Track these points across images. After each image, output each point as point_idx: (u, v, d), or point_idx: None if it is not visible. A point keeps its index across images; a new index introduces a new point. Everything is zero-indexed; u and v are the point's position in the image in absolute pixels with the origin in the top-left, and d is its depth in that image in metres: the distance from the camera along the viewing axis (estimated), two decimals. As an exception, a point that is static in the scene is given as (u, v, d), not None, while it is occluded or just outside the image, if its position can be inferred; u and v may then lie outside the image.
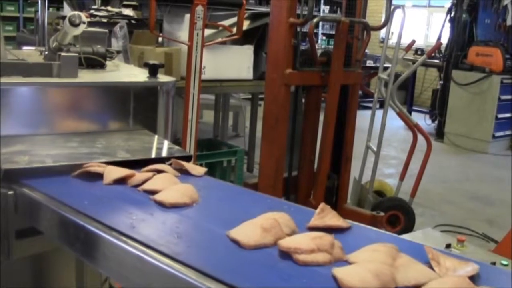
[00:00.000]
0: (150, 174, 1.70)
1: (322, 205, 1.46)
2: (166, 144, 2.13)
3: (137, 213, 1.46)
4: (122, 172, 1.69)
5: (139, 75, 2.41)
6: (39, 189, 1.60)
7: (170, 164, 1.85)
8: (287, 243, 1.24)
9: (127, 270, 1.30)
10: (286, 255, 1.22)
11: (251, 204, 1.61)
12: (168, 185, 1.62)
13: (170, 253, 1.22)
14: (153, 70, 2.33)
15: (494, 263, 3.06)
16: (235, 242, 1.28)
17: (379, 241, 1.31)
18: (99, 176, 1.70)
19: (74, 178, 1.70)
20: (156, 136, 2.20)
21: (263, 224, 1.31)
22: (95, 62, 2.50)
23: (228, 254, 1.25)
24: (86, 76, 2.27)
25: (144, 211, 1.48)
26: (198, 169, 1.85)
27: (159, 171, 1.74)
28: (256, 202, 1.63)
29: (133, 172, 1.70)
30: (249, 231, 1.30)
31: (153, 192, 1.58)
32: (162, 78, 2.34)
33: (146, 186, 1.63)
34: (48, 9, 4.69)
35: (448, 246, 3.33)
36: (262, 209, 1.45)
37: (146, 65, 2.38)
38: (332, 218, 1.44)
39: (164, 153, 2.05)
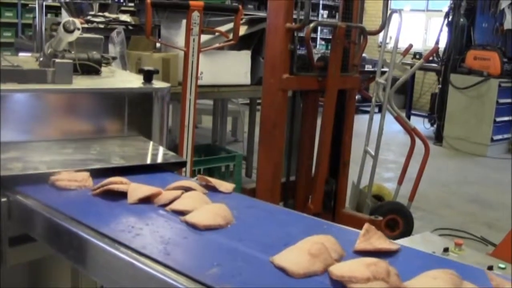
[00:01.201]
0: (178, 192, 1.60)
1: (367, 225, 1.36)
2: (161, 150, 2.13)
3: (168, 237, 1.36)
4: (147, 190, 1.59)
5: (134, 81, 2.41)
6: (33, 196, 1.60)
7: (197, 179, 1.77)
8: (339, 271, 1.14)
9: (120, 277, 1.30)
10: (338, 283, 1.13)
11: (289, 224, 1.52)
12: (199, 205, 1.52)
13: (213, 285, 1.13)
14: (148, 76, 2.33)
15: (491, 267, 3.06)
16: (282, 269, 1.18)
17: (432, 264, 1.25)
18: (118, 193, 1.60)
19: (95, 197, 1.60)
20: (151, 142, 2.19)
21: (311, 250, 1.21)
22: (91, 68, 2.50)
23: (276, 283, 1.15)
24: (81, 82, 2.27)
25: (176, 234, 1.38)
26: (226, 186, 1.75)
27: (187, 189, 1.63)
28: (294, 221, 1.55)
29: (159, 190, 1.60)
30: (296, 258, 1.20)
31: (183, 213, 1.48)
32: (157, 84, 2.34)
33: (175, 206, 1.53)
34: (46, 15, 4.70)
35: (446, 250, 3.33)
36: (301, 230, 1.40)
37: (141, 71, 2.38)
38: (379, 240, 1.35)
39: (159, 159, 2.05)
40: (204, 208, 1.49)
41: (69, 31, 2.27)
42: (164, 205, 1.54)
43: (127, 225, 1.41)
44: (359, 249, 1.31)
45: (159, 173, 1.88)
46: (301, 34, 4.02)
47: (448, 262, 1.37)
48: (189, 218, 1.44)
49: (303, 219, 1.59)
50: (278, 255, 1.23)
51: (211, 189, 1.71)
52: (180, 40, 3.87)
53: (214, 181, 1.73)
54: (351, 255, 1.28)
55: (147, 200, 1.57)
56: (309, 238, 1.28)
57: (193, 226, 1.41)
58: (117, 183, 1.63)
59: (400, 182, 5.02)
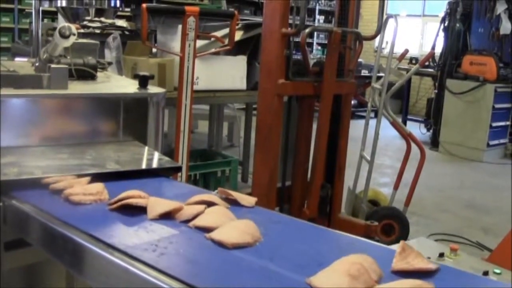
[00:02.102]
0: (200, 207, 1.52)
1: (402, 243, 1.31)
2: (156, 155, 2.14)
3: (195, 256, 1.29)
4: (168, 205, 1.52)
5: (129, 87, 2.41)
6: (28, 201, 1.60)
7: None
8: None
9: (114, 282, 1.30)
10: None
11: (318, 240, 1.45)
12: (224, 221, 1.45)
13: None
14: (143, 81, 2.34)
15: (486, 272, 3.06)
16: None
17: (475, 285, 1.23)
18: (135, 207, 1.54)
19: (112, 212, 1.54)
20: (146, 147, 2.20)
21: (350, 271, 1.15)
22: (86, 74, 2.51)
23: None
24: (76, 87, 2.28)
25: (203, 252, 1.31)
26: (248, 199, 1.67)
27: (208, 203, 1.57)
28: (323, 238, 1.49)
29: (180, 204, 1.54)
30: (335, 280, 1.14)
31: (207, 229, 1.41)
32: (152, 89, 2.35)
33: (199, 222, 1.45)
34: (42, 20, 4.71)
35: (442, 255, 3.33)
36: (332, 247, 1.38)
37: (136, 76, 2.39)
38: (416, 259, 1.29)
39: (154, 165, 2.05)
40: (230, 225, 1.42)
41: (64, 36, 2.28)
42: (186, 221, 1.47)
43: (150, 243, 1.34)
44: (397, 269, 1.25)
45: (154, 178, 1.89)
46: (297, 39, 4.03)
47: (489, 281, 1.37)
48: (215, 235, 1.36)
49: (332, 236, 1.53)
50: (316, 277, 1.17)
51: (233, 203, 1.64)
52: (176, 45, 3.88)
53: (236, 195, 1.67)
54: (389, 276, 1.24)
55: (167, 215, 1.50)
56: (346, 258, 1.23)
57: (219, 244, 1.33)
58: (135, 197, 1.56)
59: (396, 187, 5.02)
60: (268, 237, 1.41)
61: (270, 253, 1.32)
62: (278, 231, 1.50)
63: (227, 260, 1.27)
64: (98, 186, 1.66)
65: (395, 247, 1.39)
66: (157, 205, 1.53)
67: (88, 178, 1.75)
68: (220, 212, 1.51)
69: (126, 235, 1.39)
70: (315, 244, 1.41)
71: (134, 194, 1.57)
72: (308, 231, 1.55)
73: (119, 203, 1.55)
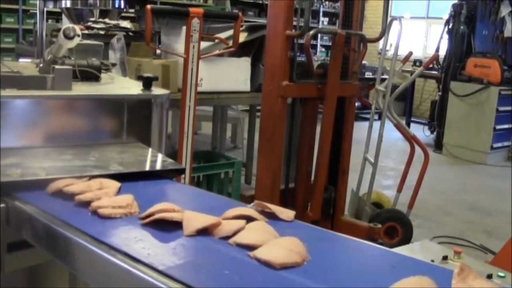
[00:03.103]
0: (241, 222, 1.43)
1: (461, 265, 1.25)
2: (160, 157, 2.13)
3: (241, 277, 1.19)
4: (205, 220, 1.43)
5: (133, 88, 2.41)
6: (32, 202, 1.60)
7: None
8: None
9: (118, 284, 1.29)
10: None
11: (368, 259, 1.39)
12: (267, 238, 1.35)
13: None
14: (147, 82, 2.33)
15: (490, 275, 3.05)
16: None
17: None
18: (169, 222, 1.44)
19: (145, 227, 1.44)
20: (150, 149, 2.20)
21: None
22: (90, 75, 2.50)
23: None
24: (80, 88, 2.28)
25: (249, 274, 1.21)
26: (287, 213, 1.58)
27: (247, 218, 1.47)
28: (375, 257, 1.41)
29: (218, 219, 1.44)
30: None
31: (250, 247, 1.31)
32: (156, 90, 2.34)
33: (241, 239, 1.35)
34: (46, 21, 4.71)
35: (445, 258, 3.32)
36: (387, 266, 1.31)
37: (140, 77, 2.38)
38: (476, 280, 1.24)
39: (157, 166, 2.05)
40: (275, 243, 1.32)
41: (69, 37, 2.28)
42: (226, 237, 1.37)
43: (191, 263, 1.25)
44: None
45: (157, 180, 1.89)
46: (301, 41, 4.03)
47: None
48: (260, 254, 1.25)
49: (384, 254, 1.43)
50: None
51: (270, 217, 1.55)
52: (180, 47, 3.88)
53: (274, 208, 1.57)
54: None
55: (204, 231, 1.41)
56: (406, 281, 1.18)
57: (266, 264, 1.23)
58: (169, 210, 1.47)
59: (399, 189, 5.02)
60: (315, 256, 1.31)
61: (321, 274, 1.24)
62: (324, 248, 1.40)
63: (277, 282, 1.18)
64: (128, 198, 1.58)
65: (399, 249, 1.39)
66: (193, 220, 1.43)
67: (100, 182, 1.72)
68: (262, 228, 1.42)
69: (164, 253, 1.30)
70: (365, 263, 1.35)
71: (167, 208, 1.48)
72: (355, 247, 1.47)
73: (153, 218, 1.45)
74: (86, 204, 1.56)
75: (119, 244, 1.32)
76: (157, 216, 1.44)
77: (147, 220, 1.45)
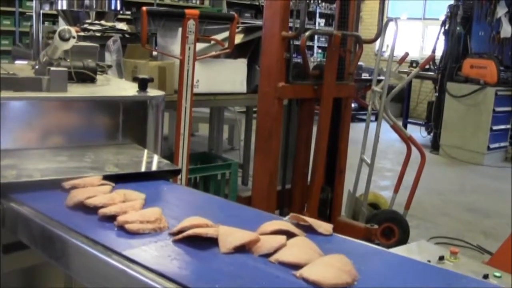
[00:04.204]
0: (281, 238, 1.33)
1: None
2: (155, 158, 2.14)
3: None
4: (243, 236, 1.33)
5: (129, 89, 2.41)
6: (27, 203, 1.60)
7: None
8: None
9: (112, 285, 1.29)
10: None
11: (420, 278, 1.29)
12: (312, 255, 1.26)
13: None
14: (142, 84, 2.34)
15: (487, 275, 3.06)
16: None
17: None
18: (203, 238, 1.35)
19: (177, 244, 1.35)
20: (145, 150, 2.20)
21: None
22: (86, 76, 2.51)
23: None
24: (76, 90, 2.28)
25: None
26: (325, 226, 1.49)
27: (285, 232, 1.38)
28: (423, 273, 1.32)
29: (256, 235, 1.34)
30: None
31: (294, 266, 1.22)
32: (152, 92, 2.35)
33: (284, 257, 1.25)
34: (43, 23, 4.71)
35: (442, 258, 3.33)
36: (441, 285, 1.24)
37: (135, 79, 2.39)
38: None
39: (153, 167, 2.05)
40: (322, 261, 1.23)
41: (64, 39, 2.28)
42: (266, 255, 1.28)
43: (235, 284, 1.17)
44: None
45: (153, 181, 1.89)
46: (297, 43, 4.03)
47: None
48: (308, 274, 1.16)
49: (436, 271, 1.35)
50: None
51: (308, 230, 1.46)
52: (176, 48, 3.88)
53: (311, 221, 1.48)
54: None
55: (242, 248, 1.31)
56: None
57: (314, 285, 1.15)
58: (202, 225, 1.38)
59: (396, 190, 5.02)
60: (364, 275, 1.22)
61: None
62: (370, 265, 1.32)
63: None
64: (156, 212, 1.49)
65: (396, 250, 1.38)
66: (230, 236, 1.33)
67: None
68: (304, 245, 1.32)
69: (204, 274, 1.21)
70: (420, 282, 1.27)
71: (200, 223, 1.38)
72: (404, 264, 1.37)
73: (186, 234, 1.35)
74: (111, 218, 1.47)
75: (152, 263, 1.24)
76: (190, 232, 1.35)
77: (180, 236, 1.36)
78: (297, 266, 1.21)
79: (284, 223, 1.44)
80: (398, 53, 5.42)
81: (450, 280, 1.28)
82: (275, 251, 1.28)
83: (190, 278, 1.18)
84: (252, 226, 1.41)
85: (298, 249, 1.28)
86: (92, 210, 1.52)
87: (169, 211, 1.54)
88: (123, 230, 1.41)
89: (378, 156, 4.99)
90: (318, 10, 14.05)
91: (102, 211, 1.50)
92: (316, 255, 1.26)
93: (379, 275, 1.28)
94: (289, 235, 1.37)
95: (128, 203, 1.55)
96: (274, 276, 1.19)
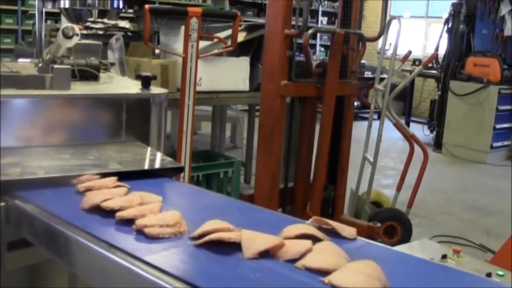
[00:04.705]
0: (307, 243, 1.28)
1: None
2: (158, 155, 2.14)
3: None
4: (267, 241, 1.28)
5: (132, 87, 2.41)
6: (31, 201, 1.61)
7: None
8: None
9: (115, 282, 1.30)
10: None
11: (452, 284, 1.24)
12: (340, 261, 1.21)
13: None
14: (145, 82, 2.34)
15: (490, 274, 3.06)
16: None
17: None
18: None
19: (197, 248, 1.30)
20: (148, 148, 2.20)
21: None
22: (89, 74, 2.51)
23: None
24: (79, 88, 2.28)
25: None
26: (348, 230, 1.44)
27: (311, 237, 1.33)
28: (451, 280, 1.27)
29: (281, 240, 1.29)
30: None
31: (322, 272, 1.17)
32: (155, 90, 2.35)
33: (311, 262, 1.20)
34: (45, 21, 4.72)
35: (444, 256, 3.33)
36: None
37: (138, 77, 2.39)
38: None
39: (156, 165, 2.05)
40: (350, 267, 1.18)
41: (68, 37, 2.28)
42: (292, 260, 1.23)
43: None
44: None
45: (156, 179, 1.89)
46: (300, 41, 4.03)
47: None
48: (337, 281, 1.12)
49: (464, 277, 1.30)
50: None
51: (331, 234, 1.41)
52: (179, 46, 3.88)
53: (335, 224, 1.44)
54: None
55: (266, 253, 1.26)
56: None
57: None
58: (224, 229, 1.33)
59: (398, 189, 5.02)
60: (393, 280, 1.17)
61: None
62: (399, 271, 1.28)
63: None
64: (175, 215, 1.44)
65: (398, 249, 1.37)
66: (253, 240, 1.28)
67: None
68: (331, 250, 1.27)
69: (231, 281, 1.16)
70: None
71: (222, 227, 1.34)
72: (436, 271, 1.31)
73: (208, 239, 1.30)
74: (128, 221, 1.43)
75: (175, 270, 1.20)
76: (213, 237, 1.30)
77: (201, 241, 1.31)
78: (325, 272, 1.17)
79: (308, 227, 1.39)
80: (401, 52, 5.42)
81: (478, 285, 1.25)
82: (301, 256, 1.24)
83: (217, 286, 1.15)
84: (272, 230, 1.37)
85: (325, 254, 1.24)
86: (108, 213, 1.49)
87: (185, 214, 1.49)
88: (142, 234, 1.37)
89: (381, 155, 4.98)
90: (320, 8, 14.06)
91: (119, 214, 1.46)
92: (344, 261, 1.22)
93: (409, 282, 1.23)
94: (314, 239, 1.33)
95: (146, 206, 1.51)
96: (301, 283, 1.16)
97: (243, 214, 1.60)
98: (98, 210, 1.51)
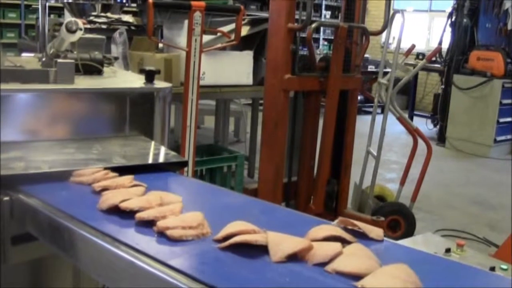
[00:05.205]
0: (337, 246, 1.22)
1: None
2: (162, 150, 2.14)
3: None
4: (295, 244, 1.22)
5: (136, 81, 2.41)
6: (35, 195, 1.61)
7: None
8: None
9: (120, 276, 1.30)
10: None
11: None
12: (371, 265, 1.15)
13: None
14: (149, 76, 2.34)
15: (493, 268, 3.06)
16: None
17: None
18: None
19: (222, 251, 1.24)
20: (152, 142, 2.20)
21: None
22: (92, 69, 2.51)
23: None
24: (83, 82, 2.28)
25: None
26: (376, 232, 1.38)
27: (336, 238, 1.28)
28: (486, 283, 1.22)
29: (309, 243, 1.23)
30: None
31: (354, 276, 1.12)
32: (159, 84, 2.35)
33: (342, 266, 1.15)
34: (49, 16, 4.71)
35: (448, 250, 3.33)
36: None
37: (142, 71, 2.39)
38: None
39: (160, 159, 2.05)
40: (384, 272, 1.12)
41: (71, 31, 2.28)
42: (322, 264, 1.18)
43: None
44: None
45: (160, 173, 1.89)
46: (303, 35, 4.03)
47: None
48: (371, 286, 1.07)
49: (503, 281, 1.23)
50: None
51: (357, 235, 1.35)
52: (182, 41, 3.88)
53: (362, 225, 1.37)
54: None
55: (294, 256, 1.21)
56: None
57: None
58: (249, 231, 1.27)
59: (402, 183, 5.02)
60: (426, 285, 1.12)
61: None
62: (433, 275, 1.21)
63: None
64: (198, 216, 1.38)
65: (402, 242, 1.36)
66: (281, 243, 1.22)
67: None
68: (362, 253, 1.21)
69: (260, 286, 1.11)
70: None
71: (247, 229, 1.28)
72: (462, 272, 1.26)
73: (233, 241, 1.24)
74: (149, 223, 1.37)
75: (201, 274, 1.15)
76: (238, 239, 1.24)
77: (227, 243, 1.25)
78: (357, 277, 1.11)
79: (335, 228, 1.33)
80: (405, 45, 5.40)
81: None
82: (331, 259, 1.18)
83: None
84: (296, 230, 1.31)
85: (356, 257, 1.18)
86: (127, 213, 1.43)
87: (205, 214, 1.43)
88: (163, 236, 1.31)
89: (384, 149, 4.99)
90: (324, 2, 14.02)
91: (139, 215, 1.39)
92: (376, 265, 1.16)
93: (441, 285, 1.17)
94: (342, 241, 1.27)
95: (167, 207, 1.44)
96: None
97: (264, 214, 1.55)
98: (116, 211, 1.45)
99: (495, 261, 3.26)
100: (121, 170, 1.76)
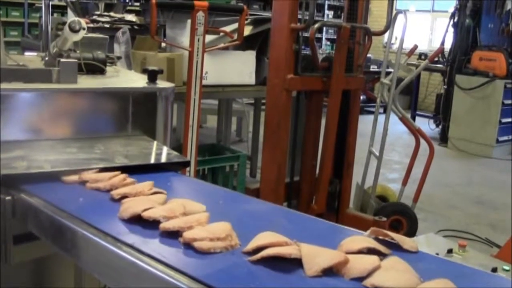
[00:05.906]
0: (374, 260, 1.17)
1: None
2: (165, 149, 2.14)
3: None
4: (330, 257, 1.17)
5: (139, 81, 2.41)
6: (37, 195, 1.61)
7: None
8: None
9: (121, 276, 1.30)
10: None
11: None
12: (412, 280, 1.10)
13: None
14: (152, 76, 2.34)
15: (495, 269, 3.06)
16: None
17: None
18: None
19: (257, 265, 1.18)
20: (155, 142, 2.20)
21: None
22: (95, 68, 2.51)
23: None
24: (86, 81, 2.28)
25: None
26: (409, 243, 1.31)
27: (374, 251, 1.23)
28: None
29: (345, 256, 1.17)
30: None
31: None
32: (161, 83, 2.35)
33: (382, 282, 1.09)
34: (52, 14, 4.72)
35: (450, 251, 3.33)
36: None
37: (145, 71, 2.39)
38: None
39: (163, 159, 2.05)
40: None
41: (74, 30, 2.28)
42: (359, 278, 1.13)
43: None
44: None
45: (162, 173, 1.89)
46: (306, 35, 4.03)
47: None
48: None
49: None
50: None
51: (390, 246, 1.29)
52: (185, 40, 3.88)
53: (395, 236, 1.31)
54: None
55: (329, 269, 1.15)
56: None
57: None
58: (281, 244, 1.21)
59: (404, 183, 5.02)
60: None
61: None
62: None
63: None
64: (226, 227, 1.31)
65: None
66: (316, 256, 1.17)
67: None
68: (401, 268, 1.16)
69: None
70: None
71: (279, 241, 1.22)
72: (501, 285, 1.20)
73: (264, 254, 1.18)
74: (174, 233, 1.31)
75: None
76: (271, 252, 1.18)
77: (258, 256, 1.18)
78: None
79: (368, 239, 1.28)
80: (407, 46, 5.40)
81: None
82: (369, 274, 1.13)
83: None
84: (327, 241, 1.27)
85: (395, 272, 1.14)
86: (149, 223, 1.37)
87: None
88: (190, 248, 1.25)
89: (387, 149, 4.98)
90: (326, 2, 14.02)
91: (164, 225, 1.33)
92: (416, 280, 1.11)
93: None
94: (378, 253, 1.22)
95: (193, 217, 1.37)
96: None
97: (292, 223, 1.48)
98: (138, 220, 1.39)
99: (497, 262, 3.26)
100: (123, 170, 1.77)
